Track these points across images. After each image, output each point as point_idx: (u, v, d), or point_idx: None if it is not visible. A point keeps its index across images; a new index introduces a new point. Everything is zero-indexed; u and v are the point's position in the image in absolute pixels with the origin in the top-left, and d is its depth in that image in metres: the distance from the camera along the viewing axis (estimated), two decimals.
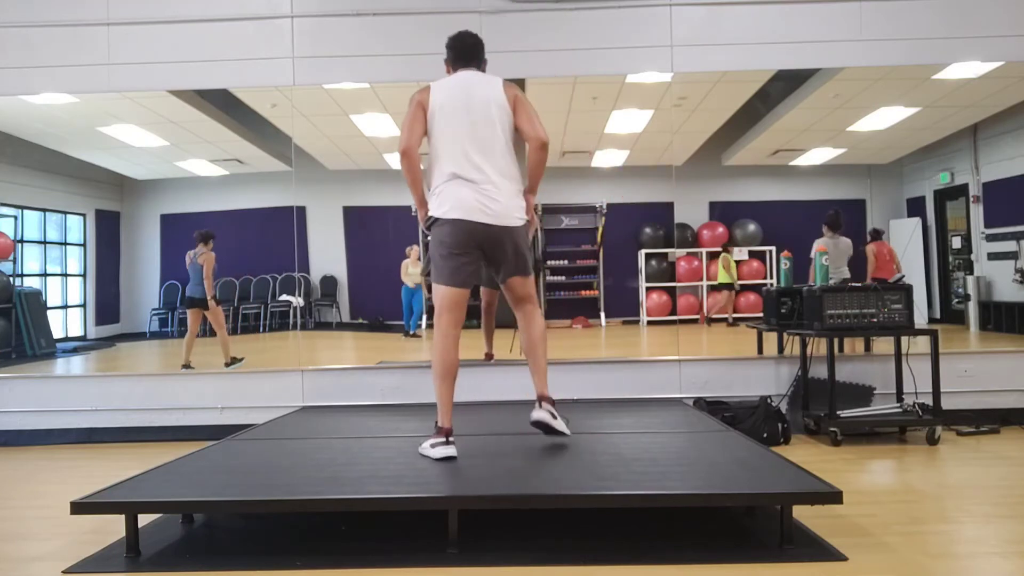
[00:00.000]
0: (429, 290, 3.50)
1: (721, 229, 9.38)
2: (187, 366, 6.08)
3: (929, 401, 4.54)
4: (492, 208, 3.15)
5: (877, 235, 7.26)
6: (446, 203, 3.17)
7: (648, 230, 9.36)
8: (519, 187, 3.28)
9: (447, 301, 3.22)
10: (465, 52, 3.41)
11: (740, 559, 2.61)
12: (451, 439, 3.24)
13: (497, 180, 3.18)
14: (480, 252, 3.23)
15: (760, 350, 5.61)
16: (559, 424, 3.34)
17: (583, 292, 9.23)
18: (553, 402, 3.38)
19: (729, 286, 8.96)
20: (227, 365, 6.24)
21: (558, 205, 9.08)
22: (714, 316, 8.88)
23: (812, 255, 6.44)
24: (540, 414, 3.33)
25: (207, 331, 6.65)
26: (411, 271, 6.61)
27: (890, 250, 7.11)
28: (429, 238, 3.29)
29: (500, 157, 3.21)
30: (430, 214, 3.25)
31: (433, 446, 3.26)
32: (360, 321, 8.88)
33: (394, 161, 8.59)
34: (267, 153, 7.67)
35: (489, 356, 4.77)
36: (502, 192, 3.18)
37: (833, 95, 6.59)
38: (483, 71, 3.43)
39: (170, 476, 3.15)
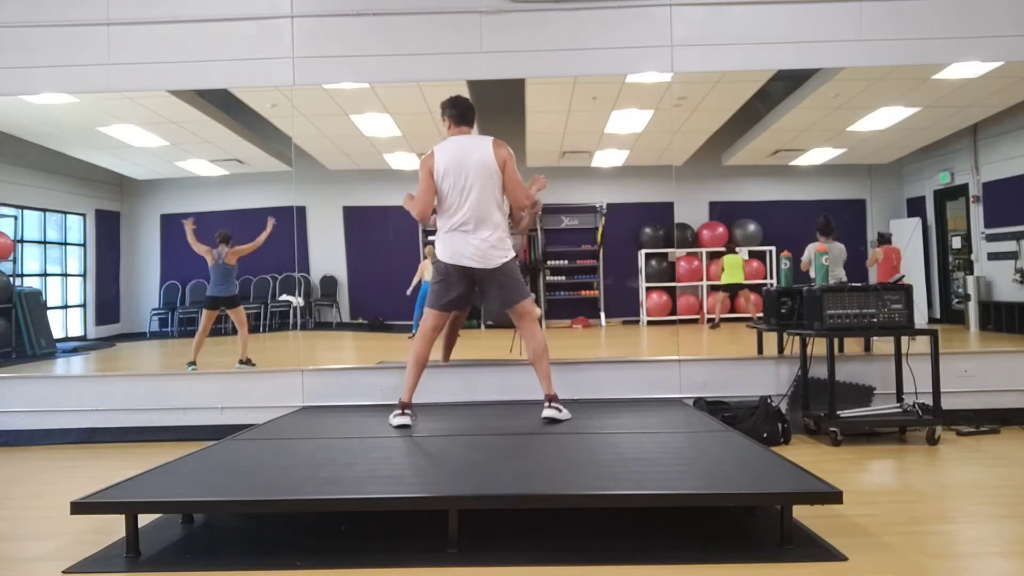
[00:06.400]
0: None
1: (721, 229, 9.38)
2: (192, 364, 6.08)
3: (929, 401, 4.54)
4: (478, 254, 3.92)
5: (886, 239, 7.25)
6: (445, 251, 3.98)
7: (648, 230, 9.36)
8: (504, 232, 4.01)
9: (433, 319, 4.09)
10: (463, 114, 4.06)
11: (740, 559, 2.61)
12: (407, 411, 4.04)
13: (484, 229, 3.92)
14: (472, 287, 4.03)
15: (760, 350, 5.61)
16: (563, 415, 4.08)
17: (583, 292, 9.23)
18: (557, 398, 4.10)
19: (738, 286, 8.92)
20: (241, 362, 6.25)
21: (558, 205, 9.08)
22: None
23: (804, 258, 6.45)
24: (549, 412, 4.05)
25: (218, 332, 6.70)
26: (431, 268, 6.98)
27: (899, 255, 7.12)
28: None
29: (488, 209, 3.93)
30: (436, 256, 4.02)
31: (394, 416, 4.04)
32: (360, 321, 8.88)
33: (394, 161, 8.62)
34: (267, 153, 7.67)
35: (445, 359, 4.92)
36: (488, 240, 3.93)
37: (833, 95, 6.59)
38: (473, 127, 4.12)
39: (170, 476, 3.15)
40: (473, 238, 3.92)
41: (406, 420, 4.01)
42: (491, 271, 3.96)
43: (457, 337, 4.90)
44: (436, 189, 3.96)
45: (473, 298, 4.19)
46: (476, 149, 3.95)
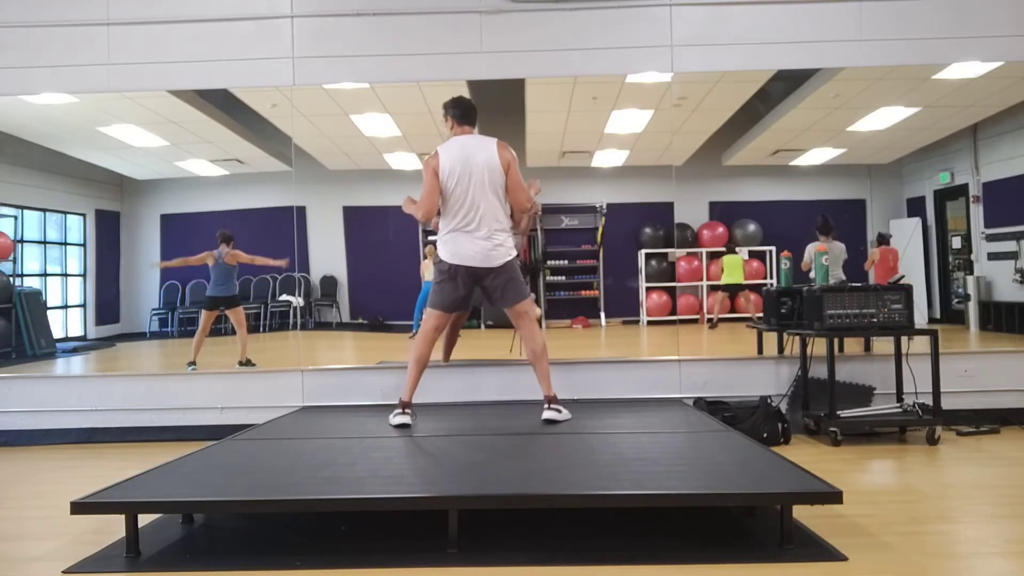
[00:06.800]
0: None
1: (721, 229, 9.38)
2: (192, 364, 6.08)
3: (929, 401, 4.54)
4: (481, 254, 3.95)
5: (884, 240, 7.27)
6: (448, 251, 3.99)
7: (648, 230, 9.36)
8: (507, 233, 4.04)
9: (435, 319, 4.11)
10: (466, 114, 4.10)
11: (740, 559, 2.61)
12: (408, 411, 4.05)
13: (487, 229, 3.95)
14: (474, 286, 4.03)
15: (760, 350, 5.61)
16: (563, 416, 4.09)
17: (583, 292, 9.23)
18: (557, 400, 4.11)
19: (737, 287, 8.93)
20: (241, 363, 6.26)
21: (558, 205, 9.08)
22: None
23: (806, 257, 6.46)
24: (548, 414, 4.05)
25: (218, 332, 6.72)
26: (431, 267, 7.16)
27: (895, 255, 7.13)
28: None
29: (491, 209, 3.95)
30: (439, 256, 4.03)
31: (394, 415, 4.05)
32: (360, 321, 8.88)
33: (394, 161, 8.61)
34: (267, 153, 7.67)
35: (446, 359, 4.93)
36: (491, 239, 3.95)
37: (833, 95, 6.59)
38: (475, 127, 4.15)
39: (170, 476, 3.15)
40: (476, 238, 3.94)
41: (406, 419, 4.02)
42: (493, 270, 3.98)
43: (457, 337, 4.90)
44: (441, 189, 3.97)
45: (474, 298, 4.19)
46: (481, 150, 3.97)
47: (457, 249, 3.96)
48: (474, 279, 4.01)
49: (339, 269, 9.02)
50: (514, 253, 4.05)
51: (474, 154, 3.95)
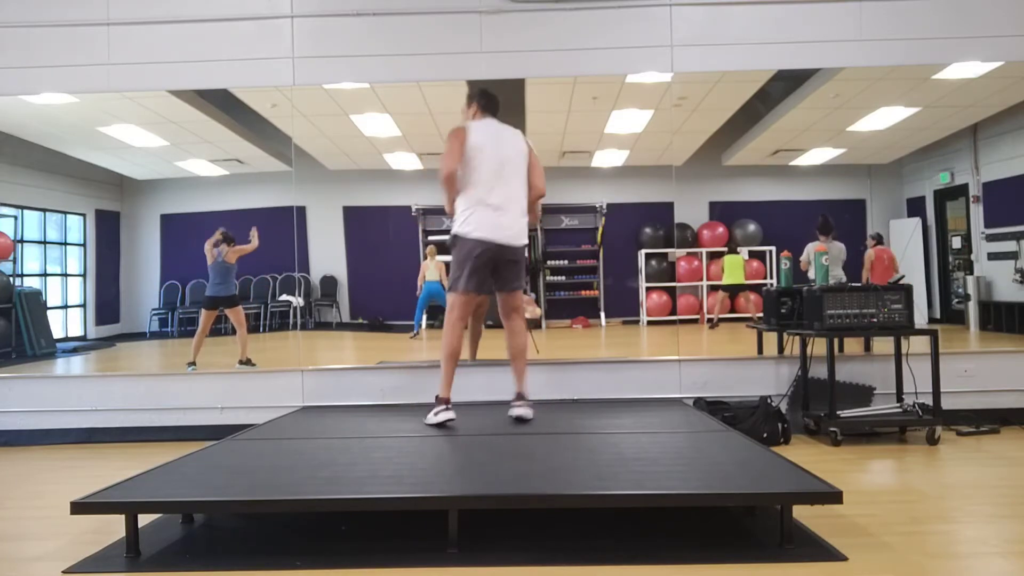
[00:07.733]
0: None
1: (721, 229, 9.38)
2: (192, 364, 6.08)
3: (929, 401, 4.54)
4: (511, 233, 3.93)
5: (878, 240, 7.28)
6: (471, 224, 3.90)
7: (648, 230, 9.37)
8: (526, 214, 4.06)
9: (459, 303, 3.97)
10: (492, 105, 4.16)
11: (740, 559, 2.61)
12: (448, 406, 3.94)
13: (513, 209, 3.95)
14: (493, 265, 3.94)
15: (760, 350, 5.61)
16: (531, 413, 4.11)
17: (583, 292, 9.24)
18: (525, 397, 4.12)
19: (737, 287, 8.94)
20: (241, 362, 6.26)
21: (558, 205, 9.08)
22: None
23: (803, 257, 6.46)
24: (520, 411, 4.06)
25: (218, 332, 6.74)
26: (432, 268, 7.21)
27: (890, 256, 7.13)
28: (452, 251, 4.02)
29: (517, 191, 3.99)
30: (455, 231, 3.95)
31: (436, 413, 3.93)
32: (360, 321, 8.89)
33: (394, 161, 8.60)
34: (267, 153, 7.67)
35: (473, 356, 4.92)
36: (516, 218, 3.96)
37: (833, 95, 6.59)
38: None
39: (170, 476, 3.15)
40: (506, 216, 3.93)
41: (450, 415, 3.94)
42: (514, 250, 3.98)
43: (483, 329, 4.88)
44: (462, 158, 3.90)
45: (490, 282, 4.08)
46: (511, 137, 4.06)
47: (491, 224, 3.89)
48: (496, 257, 3.93)
49: (339, 269, 9.03)
50: (526, 242, 4.07)
51: (508, 138, 4.04)
